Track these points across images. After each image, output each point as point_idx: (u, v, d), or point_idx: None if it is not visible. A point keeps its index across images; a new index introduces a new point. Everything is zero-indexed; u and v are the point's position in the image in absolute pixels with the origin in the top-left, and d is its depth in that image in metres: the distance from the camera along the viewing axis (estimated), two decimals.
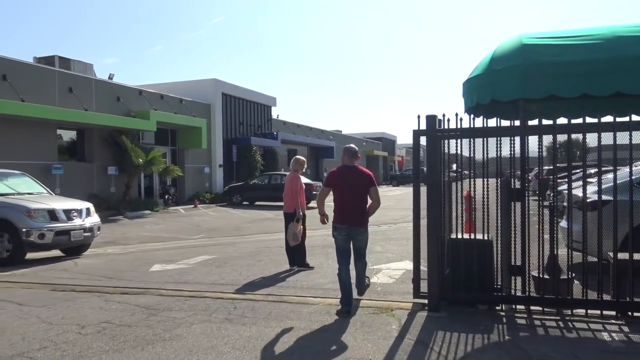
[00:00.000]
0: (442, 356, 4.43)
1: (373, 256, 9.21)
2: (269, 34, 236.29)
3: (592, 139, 5.56)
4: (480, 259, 5.73)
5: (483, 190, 5.76)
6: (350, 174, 6.03)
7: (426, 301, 5.85)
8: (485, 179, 5.82)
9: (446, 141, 5.97)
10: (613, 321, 5.21)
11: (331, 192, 6.16)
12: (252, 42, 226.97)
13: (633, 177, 5.45)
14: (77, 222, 10.44)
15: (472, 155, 5.78)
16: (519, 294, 5.67)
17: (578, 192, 6.17)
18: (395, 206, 22.39)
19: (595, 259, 5.53)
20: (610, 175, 6.38)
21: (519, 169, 5.87)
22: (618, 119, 5.33)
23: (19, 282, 7.98)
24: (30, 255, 10.11)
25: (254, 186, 25.26)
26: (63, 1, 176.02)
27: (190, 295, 6.77)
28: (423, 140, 6.07)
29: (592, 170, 9.82)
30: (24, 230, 9.62)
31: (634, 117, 5.46)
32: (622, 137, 5.31)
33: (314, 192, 23.05)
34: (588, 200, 5.57)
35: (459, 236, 5.90)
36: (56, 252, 10.66)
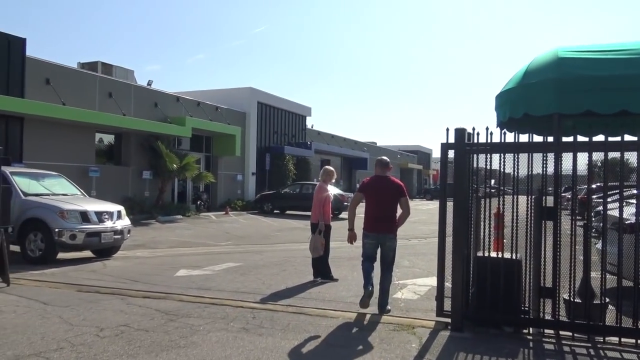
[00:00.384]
0: None
1: (400, 270, 9.03)
2: (307, 44, 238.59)
3: (631, 158, 5.31)
4: (507, 278, 5.51)
5: (513, 208, 5.55)
6: (381, 183, 6.38)
7: (449, 320, 5.66)
8: (516, 196, 5.63)
9: (475, 156, 5.78)
10: None
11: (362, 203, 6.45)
12: (291, 52, 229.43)
13: None
14: (108, 224, 10.60)
15: (501, 170, 5.58)
16: (548, 317, 5.42)
17: (615, 213, 5.90)
18: (427, 220, 22.04)
19: (631, 284, 5.24)
20: None
21: (552, 187, 5.63)
22: None
23: (47, 281, 8.12)
24: (61, 255, 10.31)
25: (285, 195, 25.31)
26: (113, 10, 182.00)
27: (210, 302, 6.74)
28: (452, 154, 5.91)
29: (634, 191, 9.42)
30: (56, 230, 9.83)
31: None
32: None
33: (345, 204, 22.87)
34: (626, 222, 5.30)
35: (486, 254, 5.69)
36: (87, 253, 10.85)
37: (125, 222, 11.16)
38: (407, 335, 5.38)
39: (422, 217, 24.77)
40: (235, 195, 27.22)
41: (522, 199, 5.57)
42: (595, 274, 5.44)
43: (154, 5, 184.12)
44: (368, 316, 6.18)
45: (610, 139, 5.40)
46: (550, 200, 5.59)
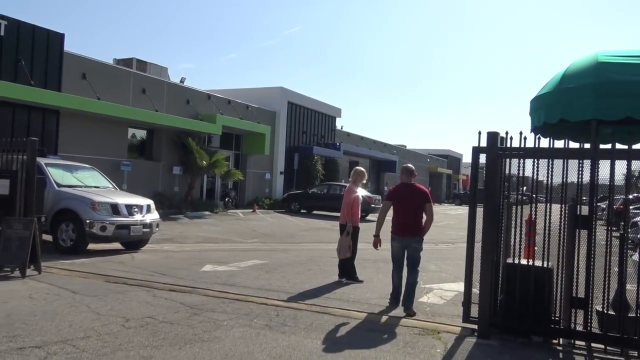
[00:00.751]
0: None
1: (426, 275, 8.91)
2: (340, 45, 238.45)
3: None
4: (537, 287, 5.37)
5: (546, 215, 5.41)
6: (407, 191, 6.83)
7: (476, 326, 5.55)
8: (549, 203, 5.48)
9: (508, 161, 5.65)
10: None
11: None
12: (322, 53, 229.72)
13: None
14: (138, 217, 10.76)
15: (534, 177, 5.45)
16: (579, 328, 5.26)
17: None
18: (455, 225, 21.78)
19: None
20: None
21: (587, 196, 5.47)
22: None
23: (77, 270, 8.29)
24: (91, 246, 10.50)
25: (313, 195, 25.34)
26: (149, 8, 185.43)
27: (235, 298, 6.76)
28: (483, 159, 5.80)
29: None
30: (87, 221, 10.01)
31: None
32: None
33: (372, 205, 22.82)
34: None
35: (516, 261, 5.56)
36: (116, 245, 11.03)
37: (154, 216, 11.31)
38: (431, 340, 5.30)
39: (451, 222, 24.49)
40: (263, 194, 27.36)
41: (555, 207, 5.42)
42: (630, 287, 5.26)
43: (189, 4, 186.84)
44: (393, 319, 6.11)
45: None
46: (585, 209, 5.43)
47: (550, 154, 5.38)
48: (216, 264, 9.61)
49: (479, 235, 5.62)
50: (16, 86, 14.93)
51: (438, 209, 37.60)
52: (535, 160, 5.45)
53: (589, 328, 5.19)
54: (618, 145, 5.31)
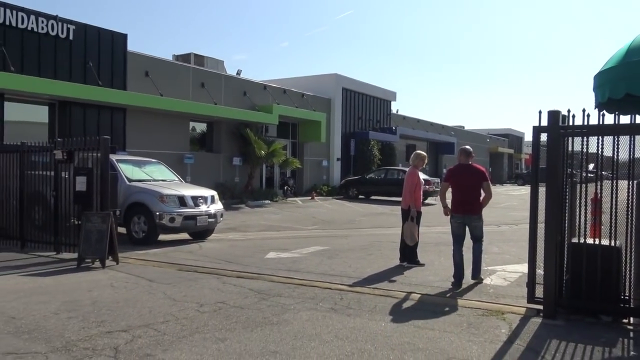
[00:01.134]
0: None
1: (489, 257, 8.85)
2: (393, 28, 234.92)
3: None
4: (605, 266, 5.27)
5: (612, 193, 5.29)
6: (465, 171, 7.16)
7: (541, 307, 5.52)
8: (615, 181, 5.35)
9: (570, 139, 5.55)
10: None
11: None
12: (376, 37, 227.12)
13: None
14: (203, 208, 11.22)
15: (599, 154, 5.32)
16: None
17: None
18: (518, 206, 21.27)
19: None
20: None
21: None
22: None
23: (151, 260, 8.79)
24: (161, 237, 11.07)
25: (370, 180, 25.37)
26: (201, 3, 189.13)
27: (300, 283, 7.01)
28: (545, 138, 5.71)
29: None
30: (157, 213, 10.55)
31: None
32: None
33: (430, 188, 22.60)
34: None
35: (582, 241, 5.48)
36: (184, 235, 11.56)
37: (218, 206, 11.75)
38: (496, 321, 5.33)
39: (514, 203, 23.93)
40: (320, 181, 27.65)
41: (622, 184, 5.29)
42: None
43: None
44: (457, 300, 6.17)
45: None
46: None
47: (615, 130, 5.24)
48: (279, 251, 9.92)
49: (542, 216, 5.56)
50: (86, 87, 15.80)
51: (499, 190, 36.68)
52: (600, 137, 5.32)
53: None
54: None
